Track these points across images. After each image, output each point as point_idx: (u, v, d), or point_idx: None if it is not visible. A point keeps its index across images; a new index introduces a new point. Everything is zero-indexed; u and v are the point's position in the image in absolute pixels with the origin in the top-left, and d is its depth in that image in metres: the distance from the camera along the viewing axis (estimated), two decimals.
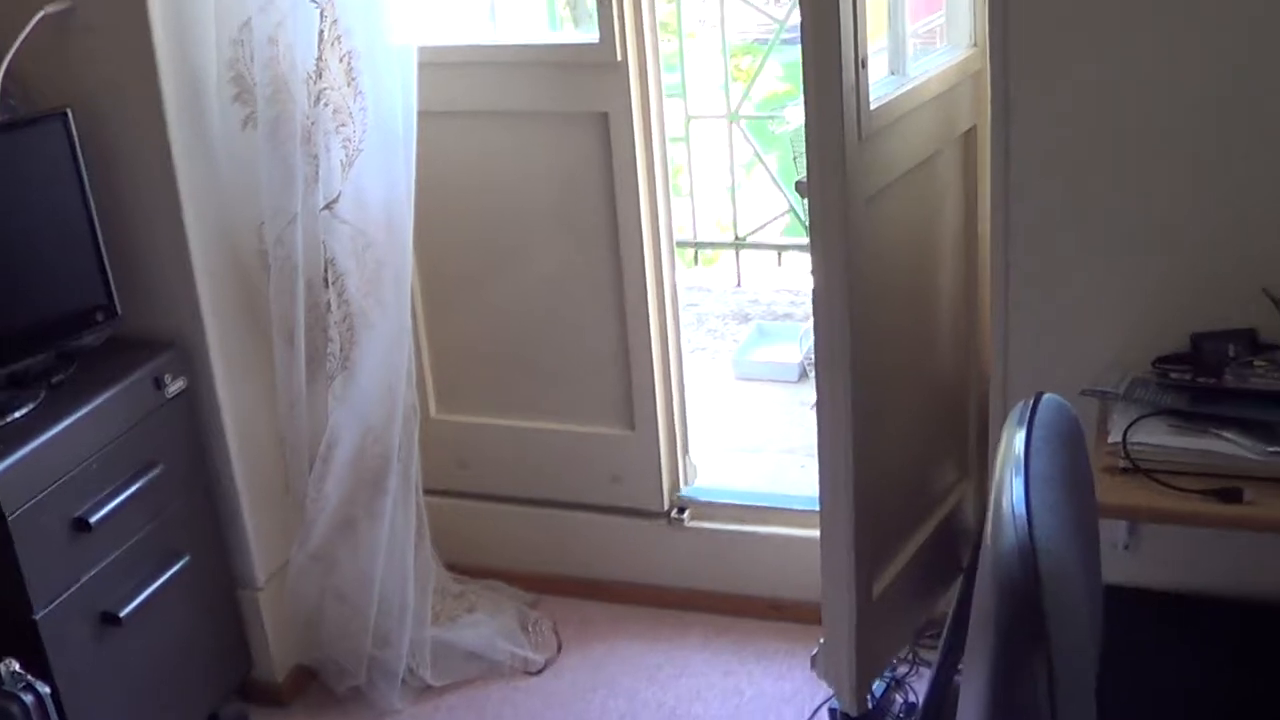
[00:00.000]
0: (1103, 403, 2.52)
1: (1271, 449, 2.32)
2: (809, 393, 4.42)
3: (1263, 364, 2.45)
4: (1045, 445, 1.61)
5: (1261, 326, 2.52)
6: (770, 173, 5.42)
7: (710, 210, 5.58)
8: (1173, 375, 2.50)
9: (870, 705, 3.18)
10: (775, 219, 5.59)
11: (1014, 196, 2.64)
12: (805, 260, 4.07)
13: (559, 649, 3.62)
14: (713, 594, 3.69)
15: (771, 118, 5.67)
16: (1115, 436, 2.40)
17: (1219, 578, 2.75)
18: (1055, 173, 2.61)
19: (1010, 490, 1.51)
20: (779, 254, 5.72)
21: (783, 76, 6.21)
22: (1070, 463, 1.66)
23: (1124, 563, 2.75)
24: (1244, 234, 2.53)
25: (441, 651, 3.54)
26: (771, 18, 5.64)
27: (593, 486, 3.75)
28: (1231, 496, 2.29)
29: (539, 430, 3.75)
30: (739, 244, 5.42)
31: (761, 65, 5.57)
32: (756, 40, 6.49)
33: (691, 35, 6.07)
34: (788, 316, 5.17)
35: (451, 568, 3.77)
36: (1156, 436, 2.39)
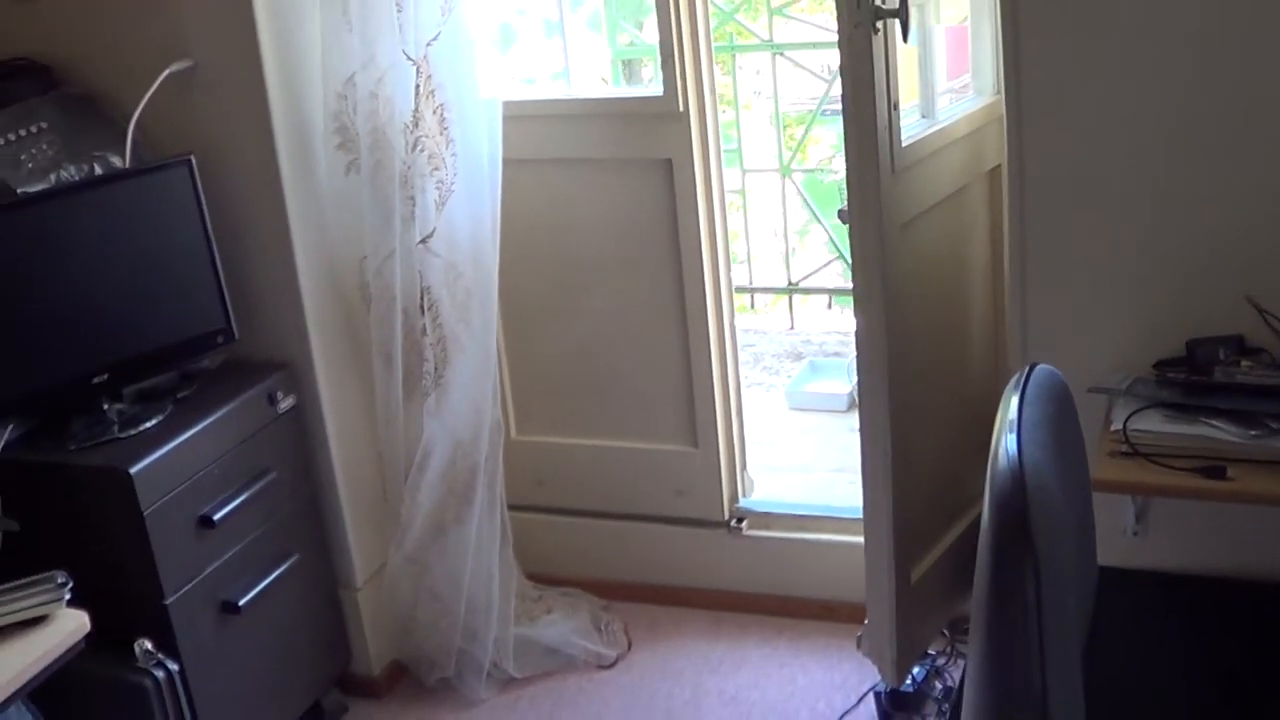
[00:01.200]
0: (1109, 398, 2.85)
1: (1253, 433, 2.65)
2: (856, 420, 4.76)
3: (1249, 363, 2.79)
4: (1036, 400, 1.96)
5: (1248, 332, 2.85)
6: (821, 222, 5.76)
7: (767, 259, 5.94)
8: (1169, 374, 2.84)
9: (912, 688, 3.51)
10: (826, 265, 5.94)
11: (1028, 223, 2.98)
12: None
13: (629, 646, 3.95)
14: (769, 597, 4.00)
15: (821, 171, 6.04)
16: (1117, 425, 2.74)
17: (1221, 559, 3.04)
18: (1063, 201, 2.95)
19: (1005, 431, 1.85)
20: (830, 298, 6.09)
21: (833, 144, 6.57)
22: (1058, 414, 2.01)
23: (1133, 546, 3.07)
24: (1231, 250, 2.85)
25: (523, 647, 3.87)
26: (819, 76, 5.99)
27: (659, 499, 4.08)
28: (1216, 474, 2.63)
29: (609, 448, 4.09)
30: (792, 289, 5.77)
31: (809, 128, 5.94)
32: (808, 111, 6.85)
33: (747, 107, 6.45)
34: (837, 354, 5.50)
35: (531, 577, 4.09)
36: (1153, 424, 2.73)
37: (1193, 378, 2.80)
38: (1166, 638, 3.04)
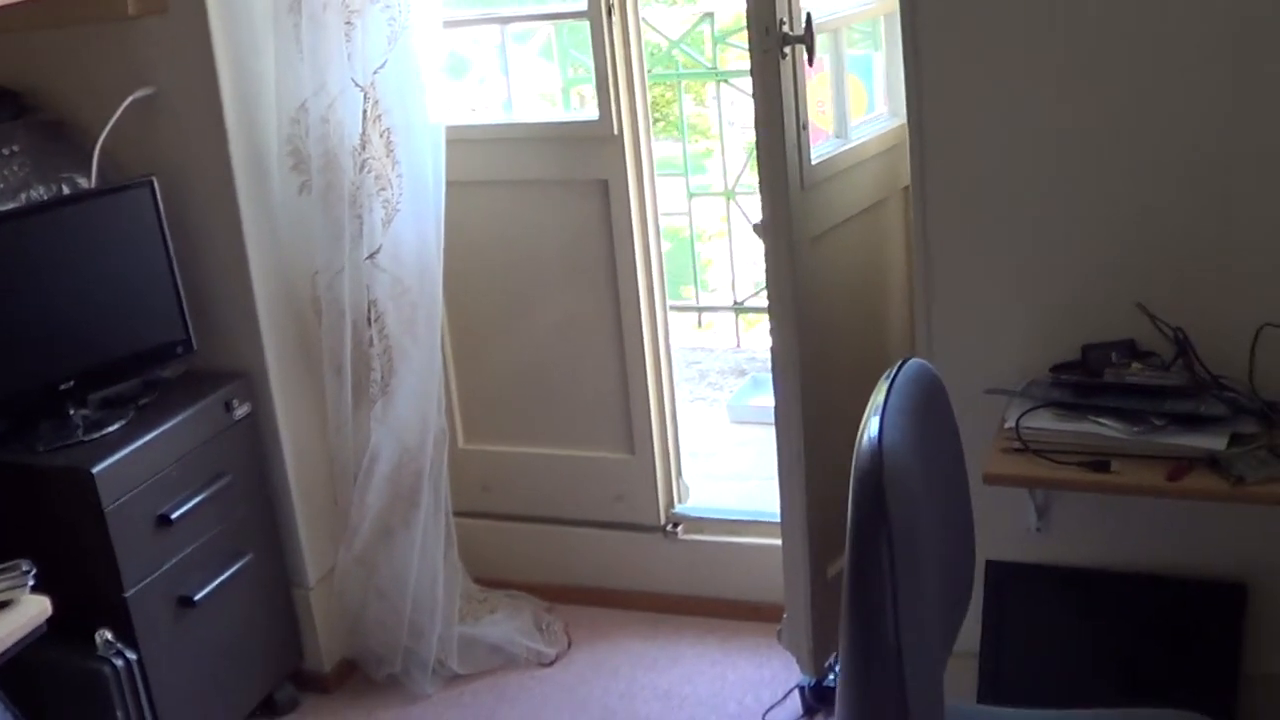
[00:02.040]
0: (1006, 399, 3.05)
1: (1137, 429, 2.84)
2: None
3: (1139, 366, 2.98)
4: (904, 388, 2.16)
5: (1139, 337, 3.04)
6: None
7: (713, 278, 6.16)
8: (1063, 377, 3.04)
9: (834, 684, 3.71)
10: None
11: (931, 237, 3.17)
12: None
13: (569, 645, 4.14)
14: (702, 598, 4.20)
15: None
16: (1010, 423, 2.94)
17: (1118, 554, 3.23)
18: (964, 217, 3.15)
19: (871, 415, 2.06)
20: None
21: None
22: (925, 403, 2.20)
23: (1035, 543, 3.26)
24: (1123, 259, 3.04)
25: (467, 645, 4.05)
26: None
27: (599, 505, 4.27)
28: (1100, 467, 2.82)
29: (551, 456, 4.29)
30: (738, 308, 5.99)
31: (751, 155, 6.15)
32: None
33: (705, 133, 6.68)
34: None
35: (477, 581, 4.27)
36: (1044, 422, 2.92)
37: (1083, 379, 3.00)
38: (1067, 628, 3.27)
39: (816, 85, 3.37)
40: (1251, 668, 3.17)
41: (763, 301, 6.07)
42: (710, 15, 5.91)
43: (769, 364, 5.79)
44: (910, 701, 1.94)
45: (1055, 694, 3.25)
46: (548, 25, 5.31)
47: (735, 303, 5.98)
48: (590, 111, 3.96)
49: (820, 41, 3.16)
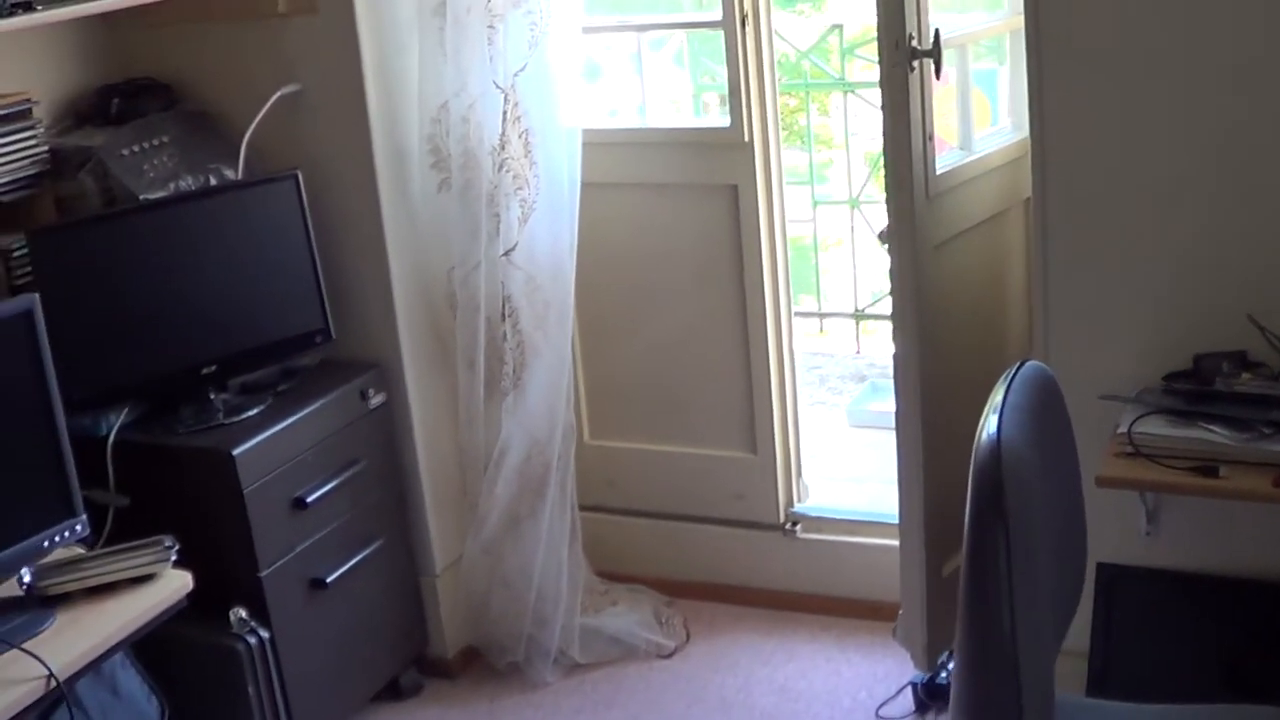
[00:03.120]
0: (1120, 405, 3.11)
1: (1246, 436, 2.92)
2: None
3: (1249, 375, 3.05)
4: (1022, 388, 2.23)
5: (1251, 348, 3.11)
6: None
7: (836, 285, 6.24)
8: (1175, 385, 3.10)
9: (946, 680, 3.77)
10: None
11: (1050, 248, 3.26)
12: None
13: (687, 638, 4.22)
14: (819, 596, 4.27)
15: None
16: (1123, 429, 3.01)
17: (1227, 559, 3.28)
18: (1082, 229, 3.23)
19: (989, 413, 2.13)
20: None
21: None
22: (1042, 403, 2.28)
23: (1145, 547, 3.32)
24: (1235, 272, 3.12)
25: (588, 636, 4.15)
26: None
27: (719, 503, 4.36)
28: (1210, 472, 2.90)
29: (675, 454, 4.38)
30: (859, 315, 6.05)
31: (876, 164, 6.22)
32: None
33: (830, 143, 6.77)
34: None
35: (599, 574, 4.36)
36: (1156, 428, 3.00)
37: (1194, 388, 3.06)
38: (1173, 630, 3.31)
39: (942, 98, 3.44)
40: None
41: (882, 309, 6.20)
42: (839, 27, 5.99)
43: (888, 370, 5.91)
44: (1024, 693, 2.02)
45: (1160, 693, 3.27)
46: (681, 33, 5.41)
47: (856, 310, 6.04)
48: (721, 118, 4.05)
49: (947, 55, 3.23)
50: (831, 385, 5.88)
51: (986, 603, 2.04)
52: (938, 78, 3.18)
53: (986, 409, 2.18)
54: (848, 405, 5.57)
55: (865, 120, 6.04)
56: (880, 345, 6.24)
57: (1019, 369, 2.29)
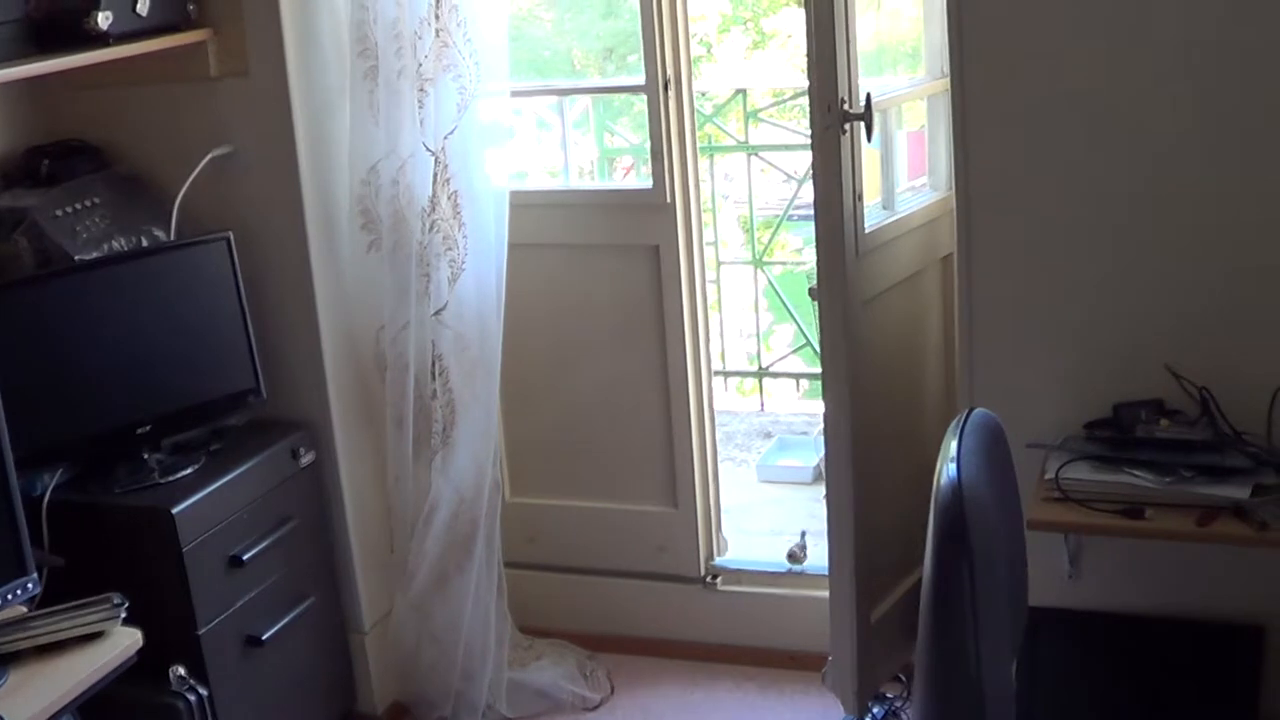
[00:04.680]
0: (1044, 453, 3.24)
1: (1168, 479, 3.06)
2: (821, 491, 5.13)
3: (1167, 422, 3.20)
4: (974, 434, 2.33)
5: (1168, 396, 3.26)
6: (790, 312, 6.17)
7: (738, 345, 6.37)
8: (1096, 433, 3.24)
9: None
10: (796, 350, 6.36)
11: (975, 303, 3.39)
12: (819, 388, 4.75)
13: (612, 691, 4.29)
14: (741, 647, 4.35)
15: (789, 263, 6.47)
16: (1050, 474, 3.14)
17: (1146, 600, 3.42)
18: (1005, 284, 3.36)
19: (946, 458, 2.23)
20: (797, 382, 6.51)
21: (797, 248, 7.00)
22: (992, 447, 2.38)
23: (1068, 590, 3.44)
24: (1152, 324, 3.27)
25: (515, 689, 4.20)
26: (791, 177, 6.42)
27: (641, 556, 4.44)
28: (1135, 514, 3.04)
29: (596, 509, 4.46)
30: (762, 373, 6.18)
31: (775, 231, 6.37)
32: (774, 215, 7.22)
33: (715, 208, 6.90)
34: (804, 433, 5.90)
35: (522, 630, 4.41)
36: (1082, 473, 3.13)
37: (1116, 435, 3.20)
38: (1096, 670, 3.43)
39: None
40: (1269, 706, 3.36)
41: (786, 367, 6.33)
42: (744, 92, 6.12)
43: (793, 426, 6.09)
44: None
45: None
46: (586, 99, 5.52)
47: (759, 368, 6.17)
48: (639, 181, 4.15)
49: None
50: (738, 443, 5.99)
51: (952, 640, 2.12)
52: (869, 139, 3.31)
53: (942, 453, 2.28)
54: (758, 461, 5.68)
55: (743, 183, 6.19)
56: (783, 402, 6.38)
57: (968, 415, 2.40)
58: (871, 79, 3.38)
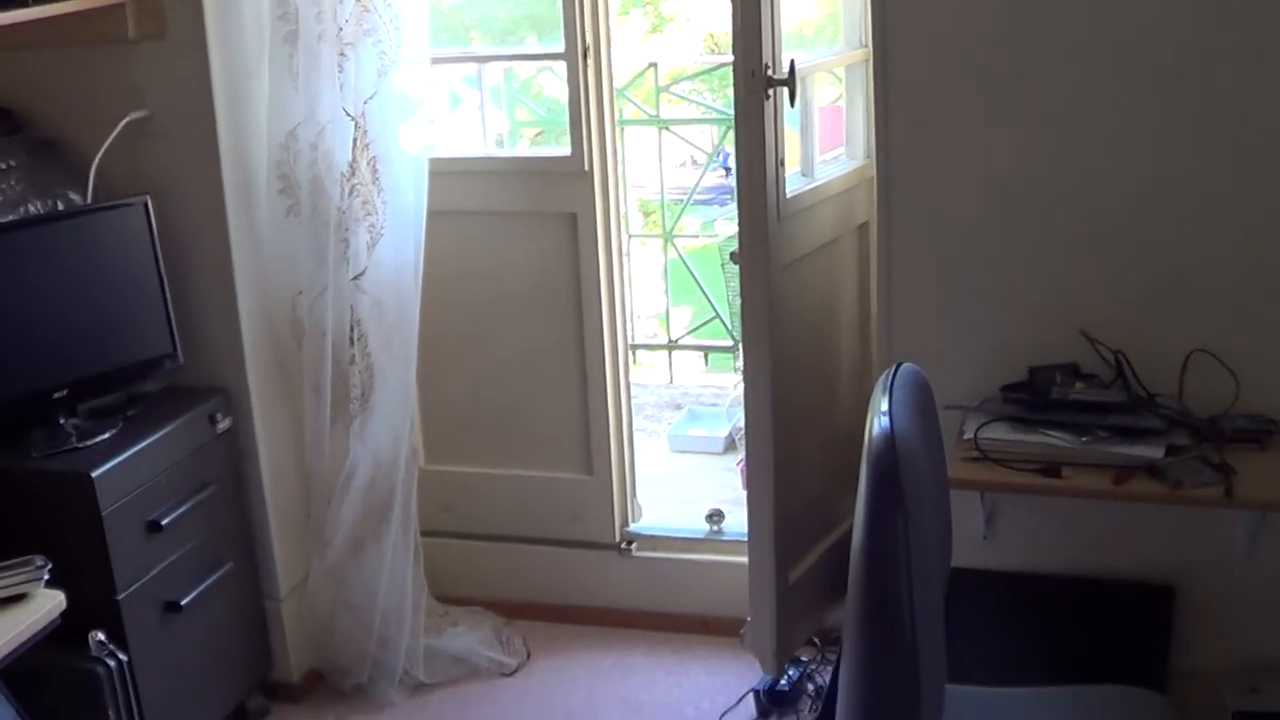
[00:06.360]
0: (962, 414, 3.31)
1: (1084, 439, 3.14)
2: (733, 460, 5.19)
3: (1081, 385, 3.27)
4: (903, 387, 2.38)
5: (1082, 361, 3.34)
6: (700, 285, 6.22)
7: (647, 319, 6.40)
8: (1013, 395, 3.31)
9: (788, 687, 3.93)
10: (705, 324, 6.41)
11: (894, 268, 3.46)
12: (728, 360, 4.79)
13: (528, 657, 4.31)
14: (656, 613, 4.40)
15: (701, 235, 6.51)
16: (969, 435, 3.20)
17: (1058, 560, 3.52)
18: (924, 250, 3.44)
19: (879, 407, 2.27)
20: (706, 355, 6.56)
21: (697, 230, 7.03)
22: (921, 401, 2.44)
23: (982, 550, 3.52)
24: (1068, 291, 3.36)
25: (431, 656, 4.21)
26: (699, 149, 6.45)
27: (556, 524, 4.47)
28: (1053, 473, 3.11)
29: (511, 476, 4.48)
30: (672, 345, 6.22)
31: (679, 216, 6.40)
32: (676, 200, 7.24)
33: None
34: (713, 405, 5.96)
35: (437, 598, 4.42)
36: (1000, 434, 3.20)
37: (1033, 397, 3.27)
38: (1011, 629, 3.50)
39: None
40: (1179, 664, 3.44)
41: (695, 340, 6.38)
42: (654, 65, 6.14)
43: (701, 398, 6.14)
44: (921, 678, 2.14)
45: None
46: (497, 75, 5.52)
47: (669, 340, 6.21)
48: (561, 149, 4.17)
49: None
50: (648, 414, 6.03)
51: (886, 591, 2.14)
52: (792, 105, 3.35)
53: (872, 406, 2.32)
54: (669, 432, 5.72)
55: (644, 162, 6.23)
56: (690, 375, 6.43)
57: (897, 370, 2.44)
58: (792, 51, 3.40)
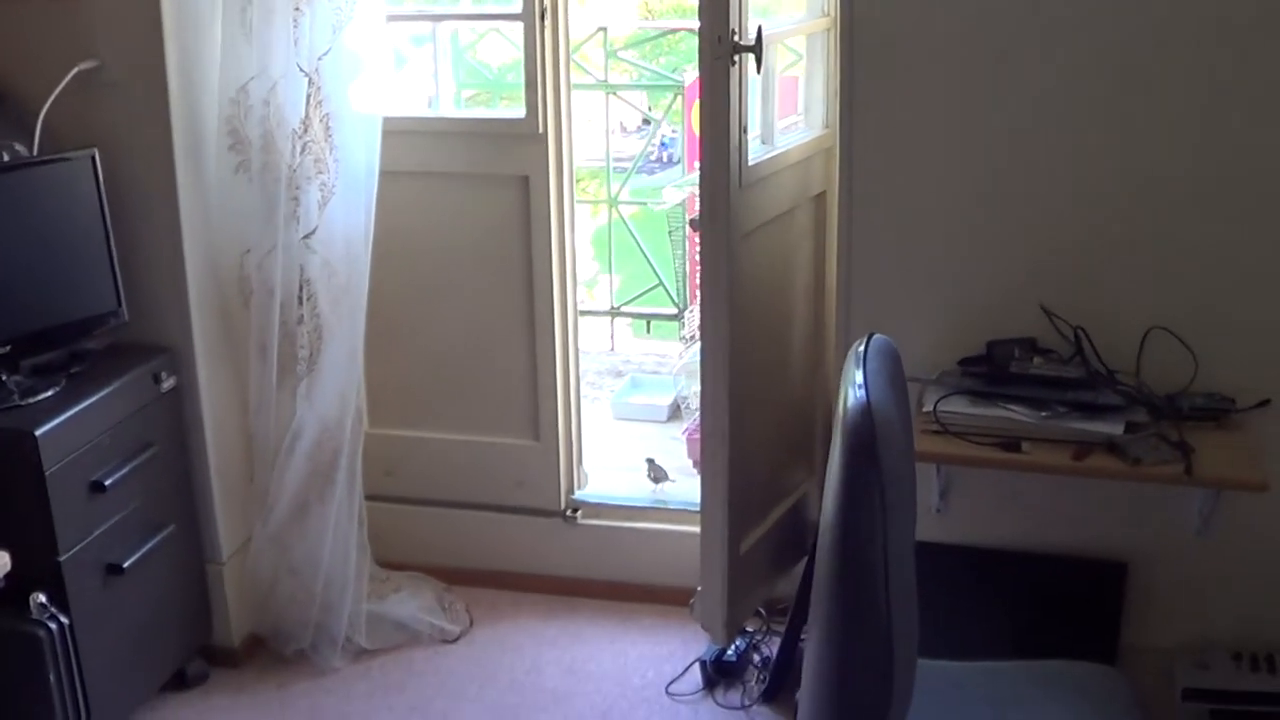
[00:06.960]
0: (921, 387, 3.30)
1: (1043, 414, 3.14)
2: (677, 429, 5.17)
3: (1040, 360, 3.27)
4: (876, 357, 2.37)
5: (1040, 336, 3.34)
6: (644, 252, 6.19)
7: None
8: (972, 369, 3.30)
9: (735, 658, 3.92)
10: (647, 291, 6.37)
11: (854, 239, 3.45)
12: (671, 328, 4.74)
13: (471, 623, 4.28)
14: (600, 581, 4.39)
15: (647, 203, 6.47)
16: (928, 408, 3.20)
17: (1011, 534, 3.53)
18: (884, 222, 3.43)
19: (853, 377, 2.25)
20: (648, 323, 6.54)
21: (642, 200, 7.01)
22: (893, 370, 2.42)
23: (936, 523, 3.52)
24: (1027, 265, 3.35)
25: (374, 621, 4.18)
26: (648, 115, 6.41)
27: (500, 490, 4.43)
28: (1012, 447, 3.11)
29: (455, 441, 4.44)
30: (614, 312, 6.19)
31: (624, 183, 6.36)
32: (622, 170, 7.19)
33: None
34: (655, 373, 5.94)
35: (380, 563, 4.38)
36: (959, 407, 3.20)
37: (992, 371, 3.27)
38: (963, 604, 3.50)
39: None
40: (1130, 640, 3.48)
41: (636, 309, 6.35)
42: (604, 29, 6.09)
43: (643, 366, 6.11)
44: (895, 650, 2.13)
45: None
46: (445, 33, 5.46)
47: (612, 307, 6.18)
48: (517, 110, 4.12)
49: None
50: (590, 380, 5.99)
51: (861, 566, 2.12)
52: (758, 72, 3.32)
53: (845, 375, 2.31)
54: (612, 399, 5.69)
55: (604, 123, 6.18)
56: (630, 343, 6.40)
57: (869, 340, 2.42)
58: (757, 19, 3.37)
